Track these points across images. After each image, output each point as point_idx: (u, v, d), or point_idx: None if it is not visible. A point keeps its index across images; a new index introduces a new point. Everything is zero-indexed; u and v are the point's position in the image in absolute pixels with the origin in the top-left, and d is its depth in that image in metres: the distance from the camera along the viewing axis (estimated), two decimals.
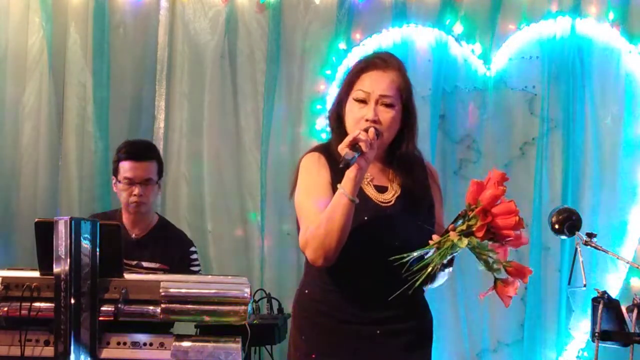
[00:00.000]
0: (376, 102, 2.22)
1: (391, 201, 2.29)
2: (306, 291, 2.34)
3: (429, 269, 2.02)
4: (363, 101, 2.23)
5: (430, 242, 2.04)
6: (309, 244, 2.18)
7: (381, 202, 2.28)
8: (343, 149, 2.11)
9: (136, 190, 3.26)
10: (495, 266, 2.02)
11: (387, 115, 2.23)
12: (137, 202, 3.27)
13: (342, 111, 2.29)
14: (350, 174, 2.12)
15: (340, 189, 2.14)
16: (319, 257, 2.17)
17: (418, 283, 2.01)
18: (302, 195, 2.29)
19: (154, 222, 3.41)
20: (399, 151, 2.29)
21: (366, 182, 2.29)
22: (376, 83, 2.23)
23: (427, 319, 2.37)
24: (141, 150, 3.34)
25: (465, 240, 2.00)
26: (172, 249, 3.35)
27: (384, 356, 2.25)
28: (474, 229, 1.99)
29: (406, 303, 2.26)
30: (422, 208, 2.30)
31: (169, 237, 3.40)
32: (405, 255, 2.04)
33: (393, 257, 2.05)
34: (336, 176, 2.26)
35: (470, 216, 2.00)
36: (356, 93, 2.24)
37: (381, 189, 2.30)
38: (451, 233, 2.02)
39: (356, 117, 2.23)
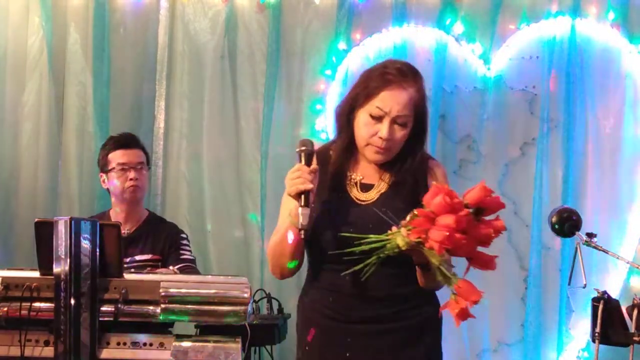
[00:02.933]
0: (391, 121, 2.21)
1: (373, 199, 2.28)
2: (304, 289, 2.39)
3: (371, 259, 2.02)
4: (378, 118, 2.22)
5: (389, 231, 2.03)
6: (269, 259, 2.32)
7: (361, 200, 2.27)
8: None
9: (132, 174, 3.30)
10: (452, 279, 1.95)
11: (399, 134, 2.23)
12: (134, 186, 3.30)
13: (353, 116, 2.27)
14: (304, 211, 2.12)
15: (288, 218, 2.19)
16: (276, 274, 2.34)
17: (355, 269, 2.06)
18: (283, 197, 2.32)
19: (144, 217, 3.42)
20: (405, 163, 2.29)
21: (352, 182, 2.31)
22: (395, 102, 2.20)
23: (421, 317, 2.31)
24: (128, 140, 3.41)
25: (400, 239, 1.97)
26: (162, 238, 3.36)
27: (372, 355, 2.25)
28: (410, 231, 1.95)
29: (396, 302, 2.26)
30: (407, 204, 2.21)
31: (159, 229, 3.40)
32: (358, 239, 2.05)
33: (343, 234, 2.12)
34: (325, 177, 2.29)
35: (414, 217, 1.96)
36: (373, 109, 2.21)
37: (366, 187, 2.30)
38: (402, 229, 1.99)
39: (370, 132, 2.23)
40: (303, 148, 2.19)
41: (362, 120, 2.24)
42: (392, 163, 2.30)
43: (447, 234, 1.87)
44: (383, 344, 2.25)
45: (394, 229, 2.02)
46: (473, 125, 4.34)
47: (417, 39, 4.35)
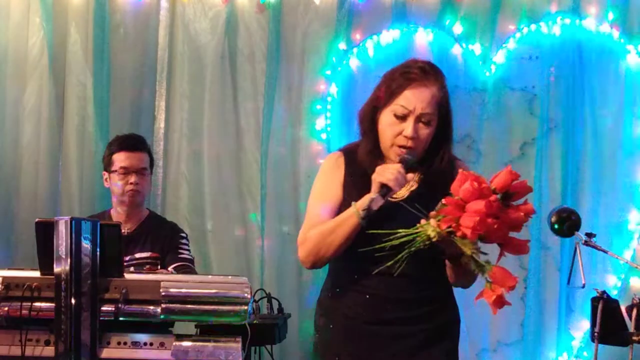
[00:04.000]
0: (416, 119, 2.22)
1: (404, 195, 2.27)
2: (325, 287, 2.39)
3: (402, 254, 2.02)
4: (403, 117, 2.22)
5: (418, 224, 2.04)
6: (305, 244, 2.27)
7: (392, 197, 2.25)
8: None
9: (132, 179, 3.30)
10: (486, 267, 1.95)
11: (424, 132, 2.24)
12: (134, 191, 3.31)
13: (377, 117, 2.28)
14: (373, 204, 2.15)
15: (353, 208, 2.18)
16: (308, 261, 2.29)
17: (392, 264, 2.05)
18: (312, 197, 2.37)
19: (145, 216, 3.43)
20: (433, 165, 2.29)
21: None
22: (418, 100, 2.21)
23: (439, 322, 2.34)
24: (134, 142, 3.41)
25: (431, 230, 1.97)
26: (162, 237, 3.37)
27: (388, 357, 2.25)
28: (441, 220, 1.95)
29: (417, 305, 2.26)
30: (437, 201, 2.23)
31: (159, 227, 3.42)
32: (391, 234, 2.05)
33: (371, 231, 2.11)
34: (350, 178, 2.30)
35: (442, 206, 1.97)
36: (397, 108, 2.22)
37: None
38: (431, 220, 1.99)
39: (394, 132, 2.23)
40: (407, 156, 2.21)
41: (386, 121, 2.25)
42: (419, 163, 2.30)
43: (479, 218, 1.86)
44: (400, 347, 2.25)
45: (423, 222, 2.03)
46: (473, 125, 4.34)
47: (416, 39, 4.35)
